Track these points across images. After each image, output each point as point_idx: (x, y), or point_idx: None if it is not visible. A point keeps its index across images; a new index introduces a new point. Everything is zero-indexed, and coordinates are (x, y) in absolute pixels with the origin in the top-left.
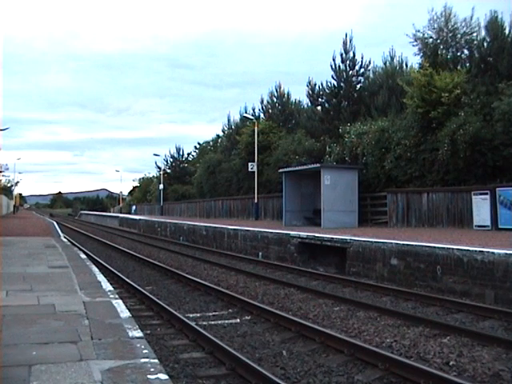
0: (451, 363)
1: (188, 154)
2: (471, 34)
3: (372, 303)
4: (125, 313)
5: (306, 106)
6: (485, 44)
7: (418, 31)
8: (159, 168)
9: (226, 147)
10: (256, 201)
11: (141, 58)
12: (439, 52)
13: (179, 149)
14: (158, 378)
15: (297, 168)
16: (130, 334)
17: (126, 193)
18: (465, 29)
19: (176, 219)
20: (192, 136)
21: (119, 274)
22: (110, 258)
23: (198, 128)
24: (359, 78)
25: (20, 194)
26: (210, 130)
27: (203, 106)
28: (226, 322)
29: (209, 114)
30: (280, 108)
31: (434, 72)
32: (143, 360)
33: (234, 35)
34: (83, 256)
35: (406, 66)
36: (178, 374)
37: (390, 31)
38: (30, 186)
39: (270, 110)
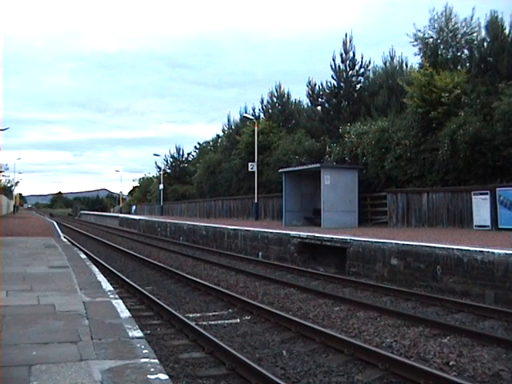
0: (451, 363)
1: (188, 154)
2: (471, 34)
3: (372, 303)
4: (125, 313)
5: (306, 106)
6: (485, 44)
7: (419, 31)
8: (159, 168)
9: (226, 147)
10: (256, 201)
11: (140, 57)
12: (439, 52)
13: (179, 149)
14: (158, 378)
15: (297, 168)
16: (130, 334)
17: (125, 193)
18: (465, 29)
19: (176, 219)
20: (192, 136)
21: (119, 274)
22: (110, 258)
23: (197, 128)
24: (359, 77)
25: (20, 194)
26: (210, 129)
27: (203, 106)
28: (226, 321)
29: (208, 113)
30: (280, 108)
31: (434, 72)
32: (143, 360)
33: (233, 35)
34: (83, 256)
35: (406, 65)
36: (178, 374)
37: (390, 31)
38: (30, 185)
39: (270, 110)
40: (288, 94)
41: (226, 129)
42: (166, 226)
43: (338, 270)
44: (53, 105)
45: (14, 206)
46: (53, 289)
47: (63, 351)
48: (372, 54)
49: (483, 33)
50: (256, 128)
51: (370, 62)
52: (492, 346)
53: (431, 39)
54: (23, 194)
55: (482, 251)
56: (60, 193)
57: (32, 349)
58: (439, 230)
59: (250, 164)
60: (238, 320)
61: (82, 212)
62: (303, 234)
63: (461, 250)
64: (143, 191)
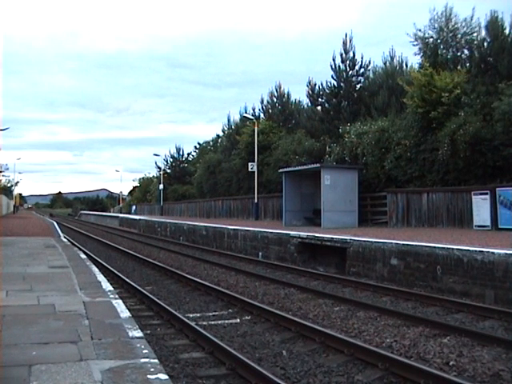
0: (451, 363)
1: (188, 154)
2: (471, 33)
3: (372, 303)
4: (125, 313)
5: (306, 106)
6: (485, 44)
7: (419, 30)
8: (159, 168)
9: (225, 147)
10: (256, 201)
11: (140, 57)
12: (439, 52)
13: (179, 149)
14: (157, 378)
15: (297, 168)
16: (130, 334)
17: (126, 193)
18: (465, 29)
19: (176, 219)
20: (192, 136)
21: (119, 274)
22: (110, 258)
23: (197, 128)
24: (359, 77)
25: (20, 194)
26: (210, 129)
27: (203, 106)
28: (226, 321)
29: (208, 113)
30: (280, 108)
31: (434, 72)
32: (143, 360)
33: (233, 35)
34: (83, 256)
35: (406, 65)
36: (178, 374)
37: (390, 31)
38: (30, 185)
39: (270, 110)
40: (288, 94)
41: (226, 129)
42: (165, 226)
43: (338, 269)
44: (53, 105)
45: (14, 206)
46: (53, 289)
47: (63, 351)
48: (372, 54)
49: (483, 33)
50: (256, 128)
51: (369, 62)
52: (492, 346)
53: (431, 39)
54: (23, 194)
55: (482, 251)
56: (60, 193)
57: (32, 349)
58: (439, 229)
59: (250, 164)
60: (238, 320)
61: (82, 212)
62: (303, 233)
63: (461, 250)
64: (143, 191)
